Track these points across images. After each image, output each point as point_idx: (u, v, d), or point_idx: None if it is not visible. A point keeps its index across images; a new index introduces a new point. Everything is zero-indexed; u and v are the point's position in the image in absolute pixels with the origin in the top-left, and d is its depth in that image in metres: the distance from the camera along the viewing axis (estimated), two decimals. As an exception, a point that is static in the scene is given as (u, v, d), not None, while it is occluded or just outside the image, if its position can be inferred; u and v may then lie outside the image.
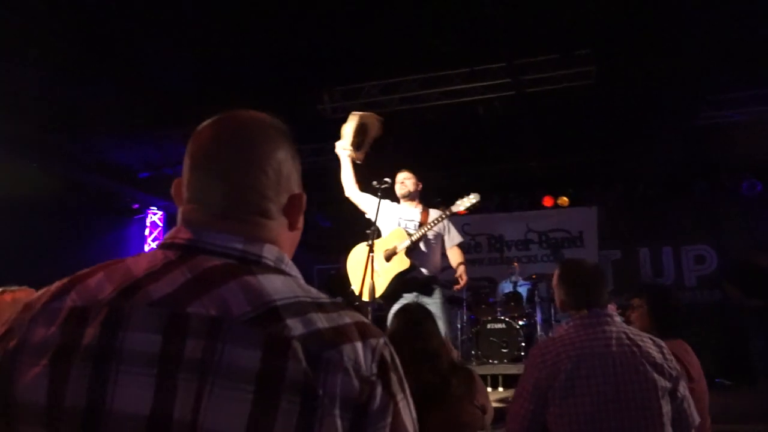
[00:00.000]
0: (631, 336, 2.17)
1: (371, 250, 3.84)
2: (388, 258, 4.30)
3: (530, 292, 7.49)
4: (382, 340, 0.86)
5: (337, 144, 4.32)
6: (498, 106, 6.63)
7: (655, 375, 2.08)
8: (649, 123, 6.93)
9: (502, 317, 7.12)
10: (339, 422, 0.77)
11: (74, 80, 6.24)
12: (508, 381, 6.40)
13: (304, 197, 1.02)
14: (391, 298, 4.26)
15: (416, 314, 2.51)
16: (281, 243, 0.97)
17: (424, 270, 4.34)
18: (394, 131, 7.18)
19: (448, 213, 4.35)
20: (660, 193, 8.23)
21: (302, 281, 0.92)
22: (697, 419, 2.14)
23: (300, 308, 0.83)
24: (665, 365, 2.13)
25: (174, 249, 0.90)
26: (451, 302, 8.16)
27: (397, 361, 0.88)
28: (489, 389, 6.27)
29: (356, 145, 4.25)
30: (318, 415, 0.77)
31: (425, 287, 4.34)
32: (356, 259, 4.41)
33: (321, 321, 0.83)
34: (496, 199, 8.96)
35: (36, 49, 5.74)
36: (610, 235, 8.55)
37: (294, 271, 0.94)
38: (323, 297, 0.89)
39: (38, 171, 6.99)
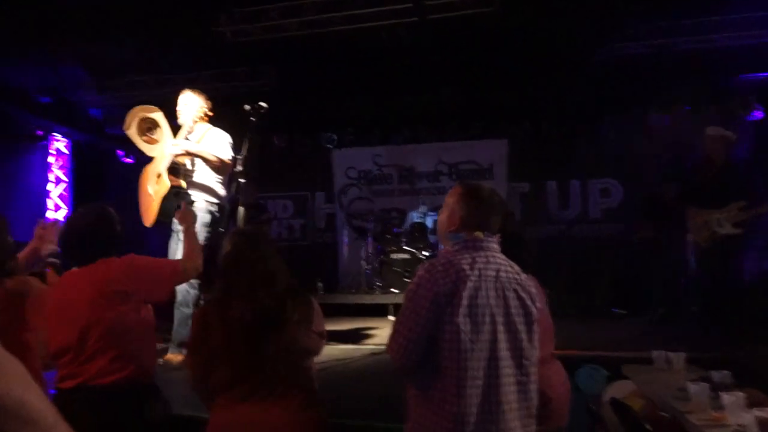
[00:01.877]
0: (511, 265, 2.19)
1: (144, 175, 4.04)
2: (157, 181, 4.17)
3: (436, 223, 7.59)
4: None
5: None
6: (403, 35, 6.52)
7: (529, 302, 2.13)
8: (554, 56, 6.95)
9: (407, 248, 7.22)
10: None
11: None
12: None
13: None
14: (166, 224, 4.21)
15: (252, 237, 2.47)
16: None
17: (192, 193, 4.25)
18: (297, 58, 7.03)
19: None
20: (568, 126, 8.34)
21: None
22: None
23: None
24: (537, 296, 2.20)
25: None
26: (357, 232, 8.25)
27: None
28: (391, 318, 6.41)
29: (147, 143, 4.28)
30: None
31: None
32: (140, 184, 4.30)
33: None
34: (405, 132, 8.92)
35: None
36: (519, 169, 8.67)
37: None
38: None
39: None
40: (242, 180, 4.02)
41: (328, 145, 9.02)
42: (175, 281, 2.85)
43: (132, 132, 4.18)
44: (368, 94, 7.88)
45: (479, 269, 2.07)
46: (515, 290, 2.11)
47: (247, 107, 3.97)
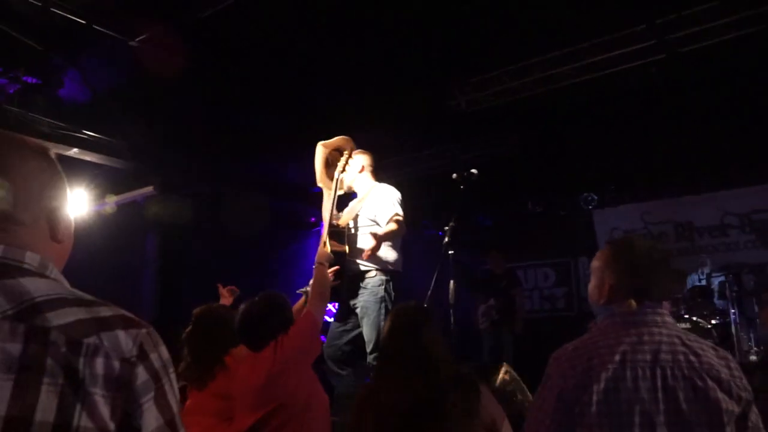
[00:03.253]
0: (687, 342, 1.65)
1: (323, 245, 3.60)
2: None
3: (724, 285, 6.34)
4: (144, 330, 1.01)
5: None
6: (655, 73, 5.76)
7: (719, 394, 1.55)
8: None
9: (687, 315, 6.12)
10: (101, 400, 0.92)
11: (237, 110, 6.85)
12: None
13: (63, 212, 1.11)
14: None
15: (413, 317, 2.21)
16: (44, 252, 1.05)
17: (359, 261, 3.74)
18: (538, 118, 6.67)
19: (337, 177, 3.86)
20: None
21: (67, 284, 1.04)
22: None
23: (61, 303, 0.96)
24: (732, 383, 1.59)
25: None
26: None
27: (162, 348, 1.04)
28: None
29: (326, 178, 3.97)
30: (80, 394, 0.90)
31: (355, 281, 3.70)
32: None
33: (81, 313, 0.96)
34: (678, 181, 7.76)
35: (201, 86, 6.43)
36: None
37: (59, 277, 1.05)
38: (88, 296, 1.02)
39: (214, 197, 7.76)
40: (451, 252, 3.77)
41: (588, 206, 8.33)
42: (317, 330, 2.75)
43: (323, 153, 4.03)
44: (625, 144, 7.11)
45: (624, 352, 1.53)
46: (690, 378, 1.52)
47: (454, 176, 3.74)
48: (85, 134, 6.36)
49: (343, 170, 3.89)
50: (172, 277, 7.83)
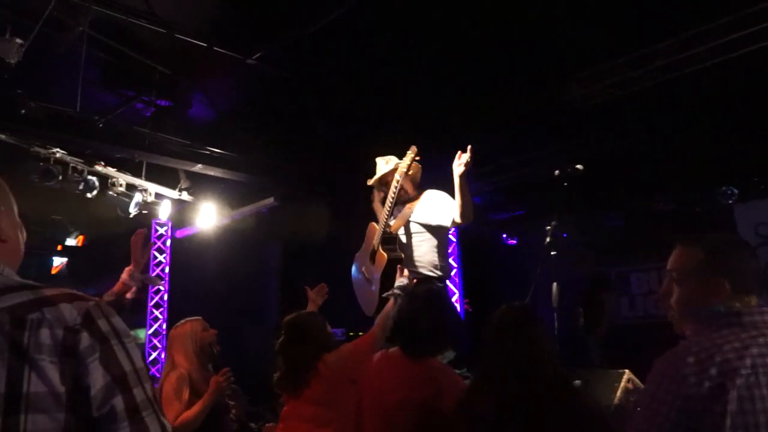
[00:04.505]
0: None
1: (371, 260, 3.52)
2: (372, 258, 3.72)
3: None
4: (91, 303, 1.13)
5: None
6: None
7: None
8: None
9: None
10: (50, 366, 1.03)
11: (349, 119, 6.99)
12: None
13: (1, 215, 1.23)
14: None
15: (516, 316, 2.07)
16: None
17: (409, 267, 3.60)
18: (663, 108, 6.19)
19: (398, 179, 3.62)
20: None
21: (16, 277, 1.17)
22: None
23: (5, 291, 1.09)
24: None
25: None
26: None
27: (114, 318, 1.14)
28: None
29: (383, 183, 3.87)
30: (26, 362, 1.02)
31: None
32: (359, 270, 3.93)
33: (26, 296, 1.10)
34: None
35: (315, 97, 6.63)
36: None
37: (8, 272, 1.16)
38: (35, 283, 1.15)
39: (331, 205, 7.95)
40: (553, 252, 3.54)
41: (728, 201, 7.62)
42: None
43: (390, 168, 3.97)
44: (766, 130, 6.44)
45: (753, 357, 1.31)
46: None
47: (557, 172, 3.51)
48: (209, 150, 6.71)
49: (408, 170, 3.76)
50: (292, 284, 8.09)
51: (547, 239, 3.59)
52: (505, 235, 9.17)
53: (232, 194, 8.05)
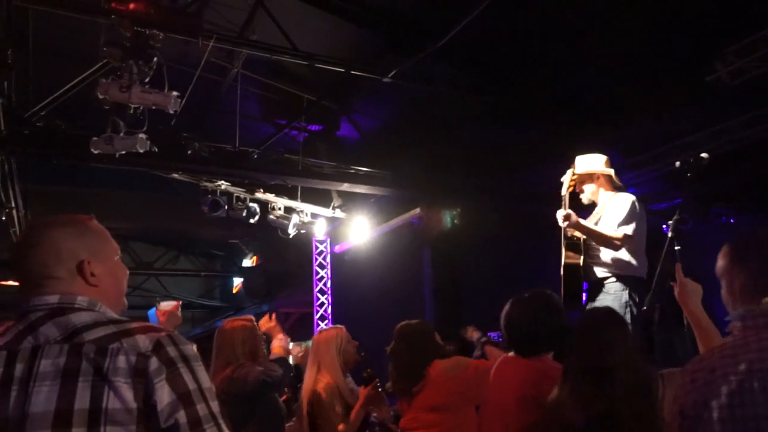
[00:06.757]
0: None
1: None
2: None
3: None
4: (163, 333, 1.35)
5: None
6: None
7: None
8: None
9: None
10: (125, 386, 1.25)
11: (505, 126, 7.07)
12: None
13: (89, 262, 1.43)
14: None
15: (598, 320, 2.07)
16: (89, 294, 1.41)
17: (596, 269, 3.55)
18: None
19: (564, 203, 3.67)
20: None
21: (111, 314, 1.41)
22: None
23: (95, 325, 1.34)
24: None
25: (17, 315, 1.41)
26: None
27: (183, 346, 1.34)
28: None
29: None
30: (106, 383, 1.25)
31: (596, 289, 3.56)
32: None
33: (111, 329, 1.33)
34: None
35: (454, 107, 6.82)
36: None
37: (104, 309, 1.41)
38: (123, 318, 1.39)
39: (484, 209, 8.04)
40: (678, 247, 3.33)
41: None
42: None
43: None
44: None
45: (749, 360, 1.27)
46: None
47: (677, 164, 3.29)
48: (354, 169, 7.10)
49: (570, 188, 3.78)
50: (445, 289, 8.30)
51: (670, 234, 3.40)
52: (665, 226, 8.60)
53: (382, 207, 8.43)
